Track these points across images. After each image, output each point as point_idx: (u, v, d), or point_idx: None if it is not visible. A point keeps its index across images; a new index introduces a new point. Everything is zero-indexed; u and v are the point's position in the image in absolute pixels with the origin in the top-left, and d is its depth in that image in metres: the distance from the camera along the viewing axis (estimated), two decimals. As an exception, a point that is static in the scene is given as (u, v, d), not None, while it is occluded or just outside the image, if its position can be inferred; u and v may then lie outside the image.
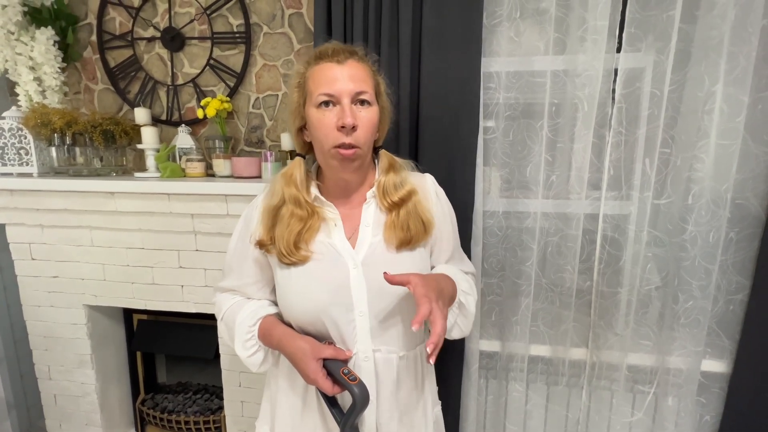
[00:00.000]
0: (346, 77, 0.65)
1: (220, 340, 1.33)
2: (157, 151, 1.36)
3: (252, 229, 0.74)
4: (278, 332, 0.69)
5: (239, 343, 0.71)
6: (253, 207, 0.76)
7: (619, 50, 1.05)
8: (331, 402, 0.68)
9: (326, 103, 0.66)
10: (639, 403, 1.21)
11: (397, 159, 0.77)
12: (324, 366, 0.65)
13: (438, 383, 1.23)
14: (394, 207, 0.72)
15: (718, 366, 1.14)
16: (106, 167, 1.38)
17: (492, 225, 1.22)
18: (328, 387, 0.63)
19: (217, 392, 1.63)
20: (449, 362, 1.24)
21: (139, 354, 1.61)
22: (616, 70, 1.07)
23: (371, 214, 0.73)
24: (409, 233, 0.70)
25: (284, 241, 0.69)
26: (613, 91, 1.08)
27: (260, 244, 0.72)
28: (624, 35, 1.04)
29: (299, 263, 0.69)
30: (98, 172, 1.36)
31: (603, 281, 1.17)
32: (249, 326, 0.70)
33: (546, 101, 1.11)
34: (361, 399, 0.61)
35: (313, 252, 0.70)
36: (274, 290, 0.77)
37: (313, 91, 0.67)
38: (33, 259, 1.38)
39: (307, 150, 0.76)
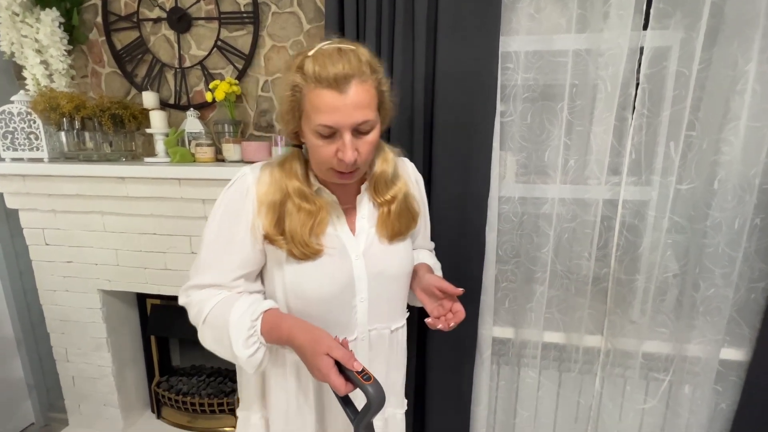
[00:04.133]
0: (348, 107, 0.60)
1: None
2: (166, 135, 1.34)
3: (245, 219, 0.69)
4: (287, 324, 0.63)
5: (239, 342, 0.62)
6: (242, 195, 0.69)
7: (645, 27, 1.00)
8: (344, 400, 0.65)
9: (326, 135, 0.62)
10: (653, 391, 1.20)
11: (389, 149, 0.76)
12: (336, 363, 0.61)
13: (450, 370, 1.25)
14: (385, 204, 0.74)
15: (736, 354, 1.12)
16: (116, 152, 1.37)
17: (507, 211, 1.19)
18: (341, 385, 0.58)
19: (230, 375, 1.66)
20: (462, 349, 1.24)
21: (153, 338, 1.63)
22: (641, 49, 1.02)
23: (365, 205, 0.75)
24: (401, 226, 0.75)
25: (299, 237, 0.67)
26: (638, 71, 1.03)
27: (268, 238, 0.69)
28: (651, 11, 0.98)
29: (312, 257, 0.69)
30: (108, 157, 1.35)
31: (620, 268, 1.14)
32: (251, 321, 0.63)
33: (567, 82, 1.07)
34: (377, 400, 0.57)
35: (325, 246, 0.70)
36: (260, 281, 0.75)
37: (311, 115, 0.62)
38: (47, 244, 1.39)
39: (300, 142, 0.73)
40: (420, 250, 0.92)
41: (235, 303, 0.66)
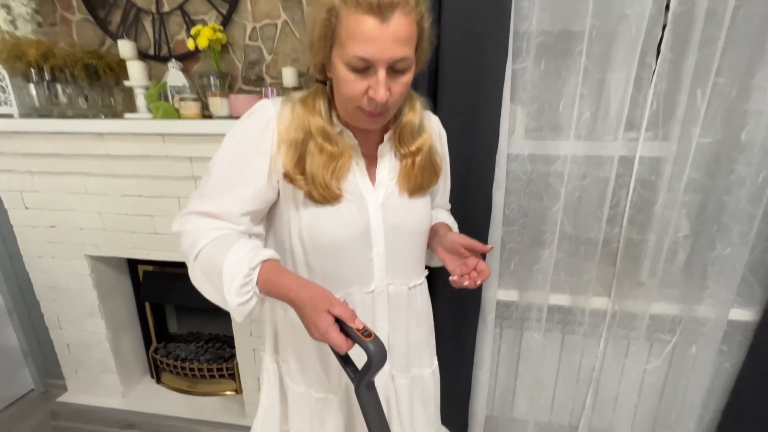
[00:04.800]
0: (388, 39, 0.54)
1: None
2: (147, 89, 1.23)
3: (263, 151, 0.64)
4: (287, 279, 0.59)
5: (232, 288, 0.57)
6: (262, 125, 0.64)
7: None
8: (344, 359, 0.62)
9: (358, 68, 0.57)
10: (657, 352, 1.19)
11: (417, 98, 0.72)
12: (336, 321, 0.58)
13: (453, 334, 1.22)
14: (409, 155, 0.70)
15: (745, 315, 1.10)
16: (93, 108, 1.26)
17: (516, 169, 1.12)
18: (342, 342, 0.54)
19: (228, 341, 1.64)
20: (465, 313, 1.20)
21: (147, 305, 1.60)
22: (671, -16, 0.91)
23: (387, 156, 0.71)
24: (423, 180, 0.71)
25: (321, 179, 0.63)
26: (666, 8, 0.93)
27: (288, 177, 0.64)
28: (687, -63, 0.87)
29: (331, 202, 0.65)
30: (85, 113, 1.25)
31: (632, 228, 1.09)
32: (249, 269, 0.58)
33: (586, 24, 0.97)
34: (378, 357, 0.54)
35: (345, 191, 0.67)
36: (263, 223, 0.71)
37: (345, 43, 0.56)
38: (27, 208, 1.31)
39: (326, 77, 0.67)
40: (438, 209, 0.87)
41: (235, 244, 0.60)
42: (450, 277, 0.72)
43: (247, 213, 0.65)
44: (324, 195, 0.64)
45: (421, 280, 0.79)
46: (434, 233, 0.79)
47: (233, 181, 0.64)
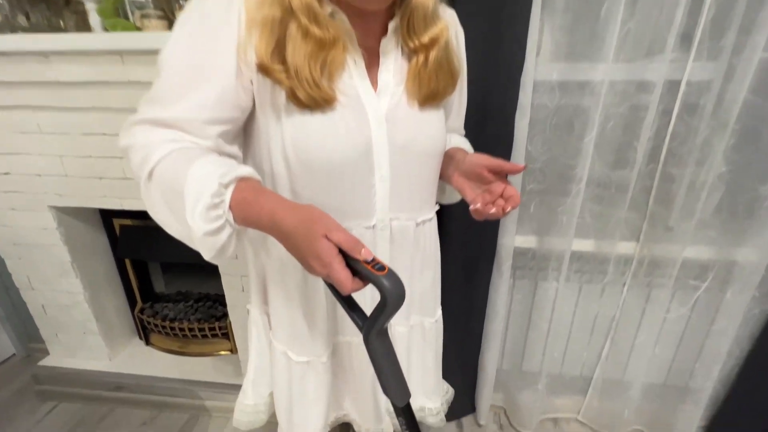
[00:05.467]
0: None
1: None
2: (99, 2, 1.02)
3: (227, 37, 0.48)
4: (270, 201, 0.45)
5: (197, 211, 0.43)
6: (223, 4, 0.48)
7: None
8: (349, 304, 0.51)
9: None
10: (684, 299, 1.11)
11: None
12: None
13: (463, 283, 1.12)
14: (422, 50, 0.55)
15: (785, 257, 1.00)
16: (37, 28, 1.05)
17: (542, 94, 0.96)
18: (347, 279, 0.42)
19: (220, 300, 1.53)
20: (479, 260, 1.10)
21: (128, 262, 1.46)
22: None
23: (392, 54, 0.56)
24: (437, 86, 0.57)
25: (306, 72, 0.48)
26: None
27: (263, 69, 0.48)
28: None
29: (322, 106, 0.51)
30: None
31: (672, 160, 0.96)
32: (220, 185, 0.43)
33: None
34: (395, 295, 0.42)
35: (339, 95, 0.52)
36: (239, 143, 0.56)
37: None
38: (-28, 151, 1.13)
39: None
40: (450, 134, 0.72)
41: (200, 158, 0.45)
42: (471, 206, 0.59)
43: (212, 121, 0.49)
44: (312, 95, 0.49)
45: (431, 215, 0.67)
46: (448, 159, 0.66)
47: (191, 80, 0.48)
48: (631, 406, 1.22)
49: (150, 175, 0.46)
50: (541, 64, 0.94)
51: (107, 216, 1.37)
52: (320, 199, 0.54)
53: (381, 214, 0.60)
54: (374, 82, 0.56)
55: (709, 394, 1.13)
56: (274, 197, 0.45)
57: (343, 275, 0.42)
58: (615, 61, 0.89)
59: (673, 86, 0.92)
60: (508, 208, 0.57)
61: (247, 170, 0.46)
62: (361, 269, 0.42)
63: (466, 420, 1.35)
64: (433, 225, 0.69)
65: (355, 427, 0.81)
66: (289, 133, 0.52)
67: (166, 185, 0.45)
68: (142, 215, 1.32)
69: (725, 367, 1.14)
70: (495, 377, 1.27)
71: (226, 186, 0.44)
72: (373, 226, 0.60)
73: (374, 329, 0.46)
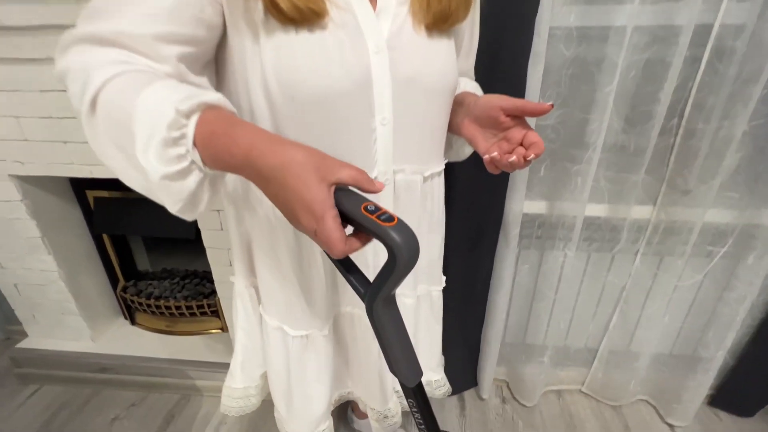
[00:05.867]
0: None
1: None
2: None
3: None
4: (248, 133, 0.35)
5: (151, 148, 0.33)
6: None
7: None
8: (346, 266, 0.43)
9: None
10: (699, 265, 1.05)
11: None
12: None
13: (467, 251, 1.05)
14: None
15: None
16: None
17: (558, 41, 0.86)
18: (339, 239, 0.34)
19: (208, 277, 1.45)
20: (483, 225, 1.02)
21: (107, 238, 1.36)
22: None
23: None
24: (449, 5, 0.48)
25: None
26: None
27: None
28: None
29: (310, 22, 0.41)
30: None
31: (697, 115, 0.88)
32: (178, 114, 0.33)
33: None
34: (407, 251, 0.34)
35: (330, 5, 0.42)
36: (207, 73, 0.46)
37: None
38: None
39: None
40: (461, 77, 0.64)
41: (155, 82, 0.35)
42: (487, 156, 0.50)
43: (167, 39, 0.38)
44: (296, 3, 0.39)
45: (439, 167, 0.59)
46: (457, 105, 0.56)
47: None
48: (637, 376, 1.19)
49: (92, 106, 0.36)
50: (558, 6, 0.83)
51: (80, 188, 1.26)
52: (309, 142, 0.45)
53: (383, 166, 0.51)
54: (373, 1, 0.46)
55: (720, 363, 1.10)
56: (252, 130, 0.36)
57: (335, 234, 0.33)
58: (641, 3, 0.78)
59: (703, 31, 0.82)
60: (531, 155, 0.47)
61: (215, 96, 0.36)
62: (364, 221, 0.34)
63: (468, 394, 1.32)
64: (442, 181, 0.61)
65: (360, 406, 0.75)
66: (270, 58, 0.42)
67: (113, 118, 0.35)
68: (118, 185, 1.21)
69: (736, 335, 1.10)
70: (498, 351, 1.22)
71: (188, 115, 0.34)
72: (375, 179, 0.51)
73: (380, 296, 0.38)
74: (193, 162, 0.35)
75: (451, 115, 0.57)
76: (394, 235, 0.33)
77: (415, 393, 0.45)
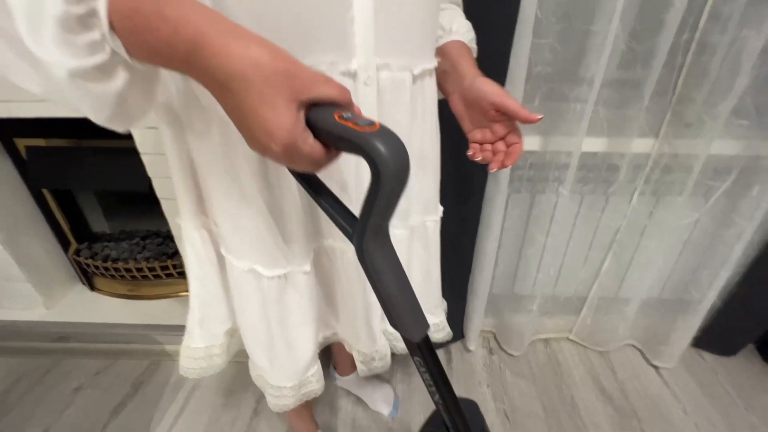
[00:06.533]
0: None
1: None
2: None
3: None
4: (191, 12, 0.24)
5: (44, 24, 0.22)
6: None
7: None
8: (315, 188, 0.35)
9: None
10: (698, 202, 0.99)
11: None
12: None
13: (452, 194, 0.96)
14: None
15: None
16: None
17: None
18: (318, 152, 0.28)
19: (170, 236, 1.32)
20: (470, 168, 0.92)
21: (49, 196, 1.21)
22: None
23: None
24: None
25: None
26: None
27: None
28: None
29: None
30: None
31: (713, 27, 0.77)
32: None
33: None
34: (396, 162, 0.25)
35: None
36: None
37: None
38: None
39: None
40: (449, 10, 0.55)
41: None
42: (468, 152, 0.52)
43: None
44: None
45: (431, 63, 0.49)
46: (451, 67, 0.51)
47: None
48: (626, 322, 1.16)
49: None
50: None
51: (7, 136, 1.09)
52: (270, 24, 0.34)
53: (363, 57, 0.40)
54: None
55: (710, 304, 1.07)
56: (194, 7, 0.25)
57: (315, 148, 0.28)
58: None
59: None
60: (508, 163, 0.49)
61: None
62: (339, 130, 0.26)
63: (455, 347, 1.28)
64: (434, 82, 0.51)
65: (347, 348, 0.68)
66: None
67: None
68: (55, 131, 1.05)
69: (730, 276, 1.07)
70: (486, 302, 1.16)
71: None
72: (353, 74, 0.41)
73: (369, 230, 0.29)
74: (114, 53, 0.24)
75: (442, 80, 0.52)
76: (377, 143, 0.25)
77: (422, 349, 0.36)
